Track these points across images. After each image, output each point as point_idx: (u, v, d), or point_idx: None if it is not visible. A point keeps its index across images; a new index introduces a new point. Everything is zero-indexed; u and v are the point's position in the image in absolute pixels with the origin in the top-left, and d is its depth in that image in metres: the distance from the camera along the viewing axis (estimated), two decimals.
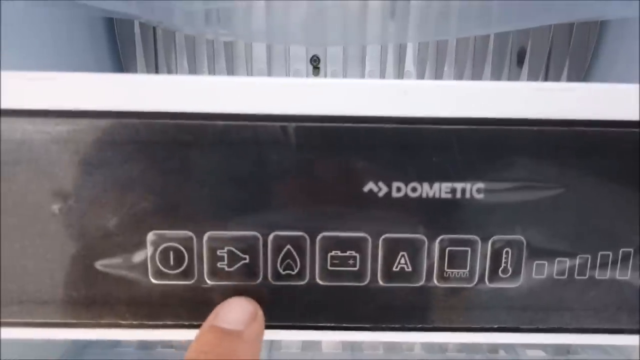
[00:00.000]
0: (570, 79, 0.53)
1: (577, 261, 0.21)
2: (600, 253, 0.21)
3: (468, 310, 0.21)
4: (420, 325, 0.21)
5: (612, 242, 0.21)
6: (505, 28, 0.45)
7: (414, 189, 0.20)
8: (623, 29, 0.49)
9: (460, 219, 0.20)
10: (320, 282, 0.21)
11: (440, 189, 0.20)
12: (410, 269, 0.21)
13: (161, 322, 0.21)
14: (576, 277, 0.21)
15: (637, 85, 0.20)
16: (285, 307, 0.21)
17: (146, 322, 0.21)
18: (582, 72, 0.53)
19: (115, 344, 0.50)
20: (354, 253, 0.21)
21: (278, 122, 0.20)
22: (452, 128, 0.20)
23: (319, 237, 0.20)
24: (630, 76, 0.45)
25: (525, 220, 0.20)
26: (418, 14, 0.47)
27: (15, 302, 0.21)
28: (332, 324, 0.21)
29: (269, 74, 0.54)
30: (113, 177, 0.20)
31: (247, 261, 0.21)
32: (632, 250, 0.21)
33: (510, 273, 0.21)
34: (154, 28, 0.53)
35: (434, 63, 0.54)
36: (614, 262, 0.21)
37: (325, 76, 0.55)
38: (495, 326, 0.21)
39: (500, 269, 0.21)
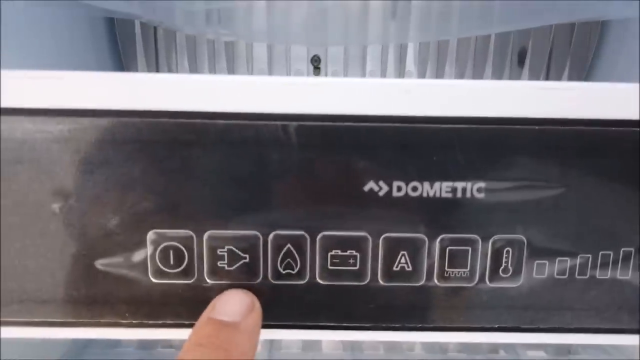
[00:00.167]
0: (571, 79, 0.53)
1: (578, 261, 0.21)
2: (601, 253, 0.21)
3: (468, 310, 0.21)
4: (420, 325, 0.21)
5: (612, 242, 0.21)
6: (507, 28, 0.45)
7: (414, 188, 0.20)
8: (624, 29, 0.48)
9: (460, 219, 0.20)
10: (321, 282, 0.21)
11: (441, 188, 0.20)
12: (410, 269, 0.21)
13: (161, 321, 0.21)
14: (577, 276, 0.21)
15: (638, 84, 0.20)
16: (286, 307, 0.21)
17: (146, 321, 0.21)
18: (583, 72, 0.53)
19: (116, 343, 0.50)
20: (354, 252, 0.21)
21: (279, 121, 0.19)
22: (453, 127, 0.20)
23: (319, 237, 0.20)
24: (632, 76, 0.45)
25: (526, 220, 0.20)
26: (419, 14, 0.46)
27: (16, 301, 0.21)
28: (332, 324, 0.21)
29: (270, 74, 0.54)
30: (114, 176, 0.20)
31: (247, 260, 0.21)
32: (632, 249, 0.21)
33: (511, 272, 0.21)
34: (155, 28, 0.53)
35: (435, 63, 0.54)
36: (615, 262, 0.21)
37: (326, 76, 0.55)
38: (496, 326, 0.21)
39: (501, 268, 0.21)
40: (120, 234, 0.20)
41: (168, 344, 0.49)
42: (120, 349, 0.49)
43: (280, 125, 0.20)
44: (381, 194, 0.20)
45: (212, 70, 0.54)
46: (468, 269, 0.21)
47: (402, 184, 0.20)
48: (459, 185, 0.20)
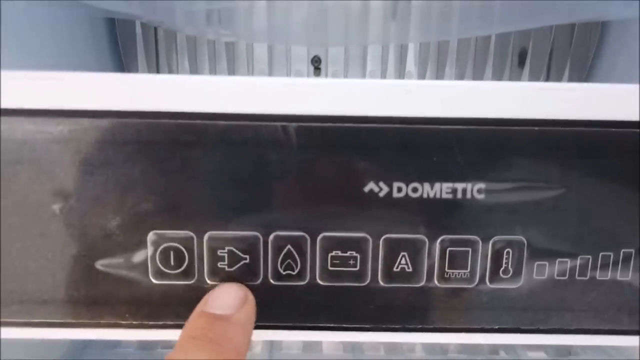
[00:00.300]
0: (571, 79, 0.53)
1: (578, 262, 0.21)
2: (601, 254, 0.21)
3: (469, 311, 0.21)
4: (420, 326, 0.21)
5: (613, 243, 0.21)
6: (507, 29, 0.45)
7: (414, 189, 0.20)
8: (624, 29, 0.48)
9: (461, 220, 0.20)
10: (321, 283, 0.21)
11: (441, 189, 0.20)
12: (410, 270, 0.21)
13: (161, 322, 0.21)
14: (577, 277, 0.21)
15: (638, 85, 0.20)
16: (286, 308, 0.21)
17: (146, 322, 0.21)
18: (584, 73, 0.53)
19: (116, 344, 0.50)
20: (354, 253, 0.21)
21: (279, 122, 0.20)
22: (453, 128, 0.20)
23: (319, 237, 0.20)
24: (632, 77, 0.45)
25: (526, 221, 0.20)
26: (419, 14, 0.46)
27: (16, 302, 0.21)
28: (333, 325, 0.21)
29: (270, 74, 0.54)
30: (114, 177, 0.20)
31: (247, 261, 0.21)
32: (633, 251, 0.21)
33: (511, 274, 0.21)
34: (156, 28, 0.53)
35: (435, 63, 0.54)
36: (615, 263, 0.21)
37: (327, 77, 0.55)
38: (496, 327, 0.21)
39: (501, 269, 0.21)
40: (121, 234, 0.20)
41: (168, 344, 0.49)
42: (120, 349, 0.49)
43: (280, 126, 0.20)
44: (381, 194, 0.20)
45: (213, 70, 0.54)
46: (468, 270, 0.21)
47: (403, 185, 0.20)
48: (459, 186, 0.20)
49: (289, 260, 0.21)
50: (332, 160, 0.20)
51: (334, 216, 0.20)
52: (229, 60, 0.54)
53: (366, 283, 0.21)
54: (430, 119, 0.20)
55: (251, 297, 0.21)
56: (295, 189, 0.20)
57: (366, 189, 0.20)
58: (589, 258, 0.21)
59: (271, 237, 0.20)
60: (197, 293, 0.21)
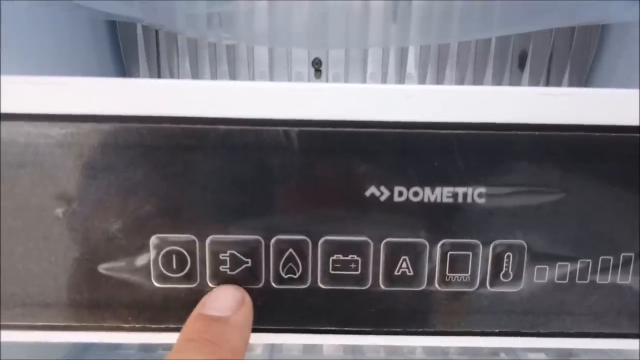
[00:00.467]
0: (571, 82, 0.53)
1: (578, 266, 0.21)
2: (601, 258, 0.21)
3: (469, 315, 0.21)
4: (421, 329, 0.21)
5: (612, 247, 0.21)
6: (507, 31, 0.45)
7: (415, 194, 0.20)
8: (624, 32, 0.49)
9: (461, 223, 0.20)
10: (322, 286, 0.21)
11: (441, 194, 0.20)
12: (411, 273, 0.21)
13: (163, 326, 0.21)
14: (577, 281, 0.21)
15: (637, 90, 0.20)
16: (287, 311, 0.21)
17: (149, 325, 0.21)
18: (584, 75, 0.53)
19: (117, 346, 0.50)
20: (355, 257, 0.21)
21: (281, 126, 0.20)
22: (454, 133, 0.20)
23: (321, 241, 0.21)
24: (632, 80, 0.45)
25: (527, 225, 0.20)
26: (420, 17, 0.47)
27: (19, 305, 0.21)
28: (334, 328, 0.21)
29: (271, 76, 0.55)
30: (116, 181, 0.20)
31: (249, 265, 0.21)
32: (632, 254, 0.21)
33: (511, 277, 0.21)
34: (157, 31, 0.53)
35: (436, 66, 0.54)
36: (615, 267, 0.21)
37: (327, 79, 0.55)
38: (497, 330, 0.22)
39: (502, 273, 0.21)
40: (123, 238, 0.20)
41: (169, 346, 0.49)
42: (121, 351, 0.49)
43: (282, 131, 0.20)
44: (382, 199, 0.20)
45: (214, 72, 0.54)
46: (469, 273, 0.21)
47: (404, 189, 0.20)
48: (460, 190, 0.20)
49: (290, 264, 0.21)
50: (333, 164, 0.20)
51: (335, 220, 0.20)
52: (230, 63, 0.54)
53: (367, 286, 0.21)
54: (431, 124, 0.20)
55: (248, 299, 0.21)
56: (297, 193, 0.20)
57: (367, 193, 0.20)
58: (589, 262, 0.21)
59: (273, 240, 0.21)
60: (199, 296, 0.21)
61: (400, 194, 0.20)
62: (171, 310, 0.21)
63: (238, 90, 0.20)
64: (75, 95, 0.19)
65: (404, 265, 0.21)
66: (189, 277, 0.21)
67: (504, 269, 0.21)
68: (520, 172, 0.20)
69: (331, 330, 0.22)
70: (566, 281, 0.21)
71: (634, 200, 0.20)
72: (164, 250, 0.20)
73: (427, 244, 0.21)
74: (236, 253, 0.21)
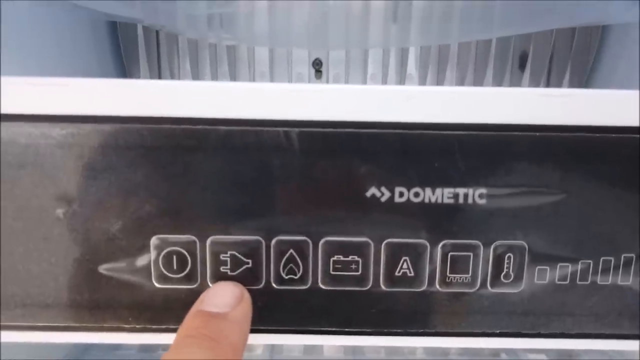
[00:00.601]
0: (572, 83, 0.53)
1: (579, 266, 0.21)
2: (602, 258, 0.21)
3: (470, 315, 0.21)
4: (422, 330, 0.21)
5: (613, 248, 0.21)
6: (507, 32, 0.45)
7: (416, 194, 0.20)
8: (624, 33, 0.49)
9: (462, 224, 0.20)
10: (323, 287, 0.21)
11: (442, 194, 0.20)
12: (412, 274, 0.21)
13: (164, 326, 0.21)
14: (578, 282, 0.21)
15: (638, 91, 0.20)
16: (288, 312, 0.21)
17: (149, 326, 0.21)
18: (584, 76, 0.54)
19: (117, 346, 0.50)
20: (356, 258, 0.21)
21: (281, 127, 0.20)
22: (454, 134, 0.20)
23: (321, 242, 0.21)
24: (632, 80, 0.45)
25: (527, 226, 0.20)
26: (420, 18, 0.47)
27: (19, 305, 0.21)
28: (334, 329, 0.21)
29: (271, 77, 0.55)
30: (117, 181, 0.20)
31: (249, 265, 0.21)
32: (633, 255, 0.21)
33: (512, 278, 0.21)
34: (157, 31, 0.53)
35: (436, 67, 0.54)
36: (616, 268, 0.21)
37: (328, 79, 0.55)
38: (497, 331, 0.22)
39: (502, 274, 0.21)
40: (124, 239, 0.20)
41: (169, 346, 0.49)
42: (121, 351, 0.49)
43: (282, 132, 0.20)
44: (383, 199, 0.20)
45: (214, 73, 0.54)
46: (469, 274, 0.21)
47: (404, 190, 0.20)
48: (461, 191, 0.20)
49: (291, 265, 0.21)
50: (334, 165, 0.20)
51: (336, 221, 0.20)
52: (230, 63, 0.54)
53: (368, 287, 0.21)
54: (432, 125, 0.20)
55: (247, 295, 0.21)
56: (298, 193, 0.20)
57: (368, 193, 0.20)
58: (590, 263, 0.21)
59: (273, 241, 0.21)
60: None
61: (401, 194, 0.20)
62: (172, 311, 0.21)
63: (238, 91, 0.20)
64: (75, 96, 0.19)
65: (405, 266, 0.21)
66: (190, 278, 0.21)
67: (505, 270, 0.21)
68: (520, 173, 0.20)
69: (332, 331, 0.22)
70: (567, 282, 0.21)
71: (635, 201, 0.20)
72: (165, 251, 0.20)
73: (427, 244, 0.21)
74: (237, 254, 0.21)
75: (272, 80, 0.55)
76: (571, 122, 0.20)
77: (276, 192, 0.20)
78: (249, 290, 0.21)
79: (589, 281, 0.21)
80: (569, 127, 0.20)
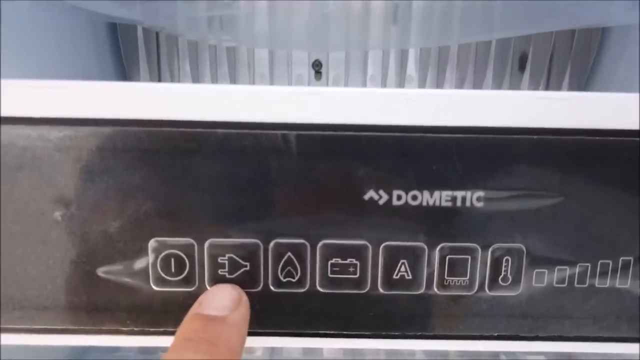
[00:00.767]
0: (571, 84, 0.53)
1: (577, 269, 0.21)
2: (600, 261, 0.21)
3: (468, 318, 0.21)
4: (420, 333, 0.21)
5: (612, 251, 0.21)
6: (507, 34, 0.45)
7: (414, 197, 0.20)
8: (625, 35, 0.49)
9: (460, 227, 0.20)
10: (321, 290, 0.21)
11: (440, 197, 0.20)
12: (410, 277, 0.21)
13: (162, 329, 0.21)
14: (576, 285, 0.21)
15: (637, 94, 0.20)
16: (286, 315, 0.21)
17: (147, 329, 0.21)
18: (584, 78, 0.53)
19: (116, 348, 0.50)
20: (354, 261, 0.21)
21: (279, 130, 0.20)
22: (453, 137, 0.20)
23: (319, 245, 0.21)
24: (632, 82, 0.45)
25: (526, 229, 0.20)
26: (420, 19, 0.47)
27: (17, 308, 0.21)
28: (333, 332, 0.21)
29: (271, 78, 0.55)
30: (115, 184, 0.20)
31: (247, 268, 0.21)
32: (632, 258, 0.21)
33: (510, 281, 0.21)
34: (157, 33, 0.53)
35: (436, 68, 0.54)
36: (614, 271, 0.21)
37: (327, 81, 0.55)
38: (495, 334, 0.22)
39: (501, 277, 0.21)
40: (122, 241, 0.20)
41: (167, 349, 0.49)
42: (120, 353, 0.49)
43: (280, 134, 0.20)
44: (381, 202, 0.20)
45: (214, 75, 0.54)
46: (467, 277, 0.21)
47: (402, 193, 0.20)
48: (459, 194, 0.20)
49: (289, 268, 0.21)
50: (332, 168, 0.20)
51: (334, 224, 0.20)
52: (230, 65, 0.54)
53: (366, 290, 0.21)
54: (430, 128, 0.20)
55: (245, 298, 0.21)
56: (296, 196, 0.20)
57: (366, 196, 0.20)
58: (588, 266, 0.21)
59: (271, 244, 0.20)
60: None
61: (399, 197, 0.20)
62: (170, 314, 0.21)
63: (237, 94, 0.20)
64: (75, 99, 0.19)
65: (403, 269, 0.21)
66: (188, 281, 0.21)
67: (503, 273, 0.21)
68: (519, 176, 0.20)
69: (330, 334, 0.22)
70: (565, 285, 0.21)
71: (634, 204, 0.20)
72: (163, 254, 0.20)
73: (425, 247, 0.21)
74: (235, 257, 0.21)
75: (272, 81, 0.55)
76: (570, 125, 0.20)
77: (274, 195, 0.20)
78: (247, 293, 0.21)
79: (587, 284, 0.21)
80: (568, 130, 0.20)
